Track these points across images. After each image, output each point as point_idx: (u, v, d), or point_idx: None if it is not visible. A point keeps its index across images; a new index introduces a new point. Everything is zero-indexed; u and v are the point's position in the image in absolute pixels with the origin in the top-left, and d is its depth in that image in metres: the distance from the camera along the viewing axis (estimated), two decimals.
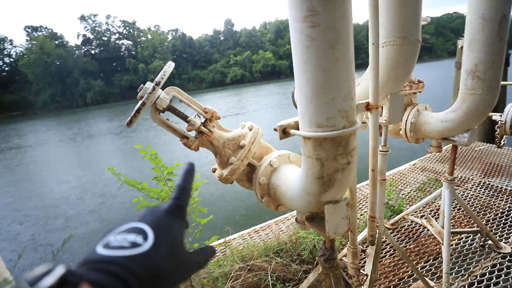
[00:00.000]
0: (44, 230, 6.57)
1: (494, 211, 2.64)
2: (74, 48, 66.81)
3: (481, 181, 3.27)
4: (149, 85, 0.91)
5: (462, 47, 1.75)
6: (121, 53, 68.90)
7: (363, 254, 1.34)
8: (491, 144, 4.48)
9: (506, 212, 2.61)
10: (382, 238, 1.66)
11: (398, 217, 2.47)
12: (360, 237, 1.75)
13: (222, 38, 73.09)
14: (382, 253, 2.08)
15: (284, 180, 1.00)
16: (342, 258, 1.23)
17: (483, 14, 1.26)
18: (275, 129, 0.83)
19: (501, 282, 1.84)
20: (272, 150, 1.17)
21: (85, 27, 68.61)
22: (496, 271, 1.94)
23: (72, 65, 61.94)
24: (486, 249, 2.16)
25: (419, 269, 1.92)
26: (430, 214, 2.69)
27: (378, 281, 1.76)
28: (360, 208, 2.74)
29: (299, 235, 1.93)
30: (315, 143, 0.71)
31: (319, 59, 0.63)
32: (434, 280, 1.86)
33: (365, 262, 1.38)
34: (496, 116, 2.00)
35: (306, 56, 0.64)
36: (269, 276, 1.59)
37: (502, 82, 1.56)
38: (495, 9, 1.23)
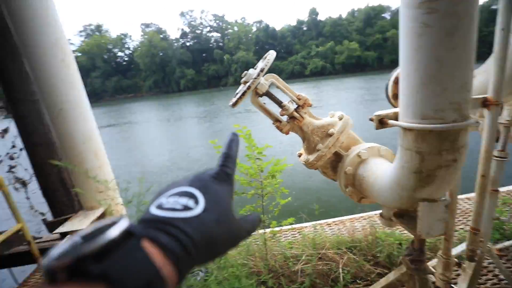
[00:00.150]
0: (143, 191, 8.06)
1: None
2: (174, 41, 76.84)
3: None
4: (252, 71, 1.03)
5: None
6: (210, 45, 75.68)
7: (457, 269, 1.19)
8: None
9: None
10: (484, 259, 1.42)
11: (509, 243, 2.03)
12: (454, 251, 1.54)
13: (305, 29, 71.46)
14: (480, 278, 1.79)
15: (373, 172, 0.98)
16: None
17: None
18: (371, 119, 0.83)
19: None
20: (360, 142, 1.16)
21: (184, 22, 77.79)
22: None
23: (171, 56, 71.68)
24: None
25: None
26: None
27: None
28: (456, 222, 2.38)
29: (377, 236, 1.83)
30: (417, 136, 0.68)
31: (433, 47, 0.60)
32: None
33: (457, 276, 1.22)
34: None
35: (418, 44, 0.62)
36: (340, 269, 1.59)
37: None
38: None
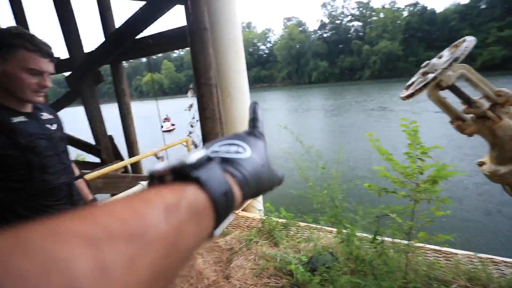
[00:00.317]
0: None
1: None
2: (311, 33, 77.78)
3: None
4: (436, 61, 0.93)
5: None
6: (349, 35, 71.46)
7: None
8: None
9: None
10: None
11: None
12: None
13: (483, 6, 54.37)
14: None
15: None
16: None
17: None
18: None
19: None
20: None
21: (324, 13, 76.91)
22: None
23: (307, 48, 73.29)
24: None
25: None
26: None
27: None
28: None
29: None
30: None
31: None
32: None
33: None
34: None
35: None
36: None
37: None
38: None
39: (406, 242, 1.37)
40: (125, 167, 5.42)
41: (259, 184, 0.33)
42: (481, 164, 1.01)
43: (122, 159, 5.79)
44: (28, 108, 0.97)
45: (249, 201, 3.06)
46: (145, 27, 3.63)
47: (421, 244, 1.92)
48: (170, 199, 0.22)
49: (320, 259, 1.84)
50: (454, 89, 0.93)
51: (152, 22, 3.43)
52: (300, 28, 77.43)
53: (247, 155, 0.33)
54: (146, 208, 0.20)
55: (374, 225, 1.15)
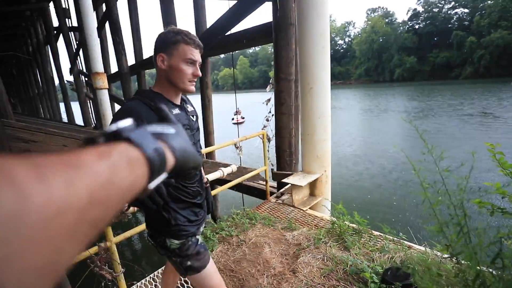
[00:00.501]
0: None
1: None
2: (400, 25, 69.35)
3: None
4: None
5: None
6: (449, 26, 60.89)
7: None
8: None
9: None
10: None
11: None
12: None
13: None
14: None
15: None
16: None
17: None
18: None
19: None
20: None
21: (419, 0, 67.40)
22: None
23: (392, 42, 65.86)
24: None
25: None
26: None
27: None
28: None
29: None
30: None
31: None
32: None
33: None
34: None
35: None
36: None
37: None
38: None
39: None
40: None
41: (185, 156, 0.38)
42: None
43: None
44: (179, 101, 1.11)
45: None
46: (235, 25, 3.89)
47: None
48: (102, 148, 0.26)
49: (398, 275, 1.68)
50: None
51: (241, 20, 3.66)
52: (386, 20, 69.97)
53: (172, 131, 0.39)
54: (81, 152, 0.23)
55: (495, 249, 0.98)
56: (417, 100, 27.38)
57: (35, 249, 0.16)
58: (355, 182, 8.10)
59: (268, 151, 3.71)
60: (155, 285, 2.16)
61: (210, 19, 4.78)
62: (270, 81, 3.99)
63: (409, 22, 67.95)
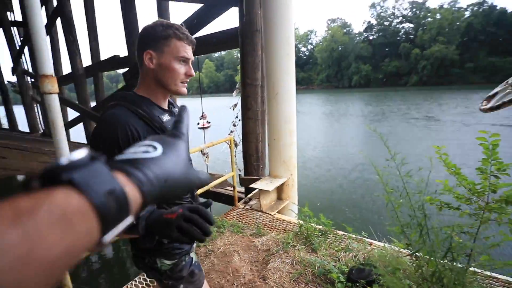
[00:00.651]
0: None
1: None
2: (356, 35, 74.71)
3: None
4: None
5: None
6: (398, 38, 67.25)
7: None
8: None
9: None
10: None
11: None
12: None
13: None
14: None
15: None
16: None
17: None
18: None
19: None
20: None
21: (372, 14, 73.36)
22: None
23: (350, 50, 70.58)
24: None
25: None
26: None
27: None
28: None
29: None
30: None
31: None
32: None
33: None
34: None
35: None
36: None
37: None
38: None
39: (462, 265, 1.26)
40: None
41: (169, 183, 0.31)
42: None
43: None
44: (166, 105, 0.96)
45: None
46: (200, 29, 3.83)
47: (478, 270, 1.75)
48: (22, 205, 0.19)
49: (362, 272, 1.77)
50: None
51: (207, 24, 3.62)
52: (344, 30, 74.82)
53: (156, 153, 0.32)
54: None
55: (444, 243, 1.07)
56: (372, 105, 29.56)
57: None
58: (319, 184, 8.44)
59: (235, 156, 3.68)
60: None
61: (175, 22, 4.66)
62: (237, 86, 3.99)
63: (364, 33, 73.57)
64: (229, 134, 4.30)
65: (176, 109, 1.02)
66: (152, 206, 0.73)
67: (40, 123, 11.09)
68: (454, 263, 1.12)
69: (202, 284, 1.06)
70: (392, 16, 70.07)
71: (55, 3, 8.28)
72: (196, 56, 5.21)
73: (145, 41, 0.87)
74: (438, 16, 59.58)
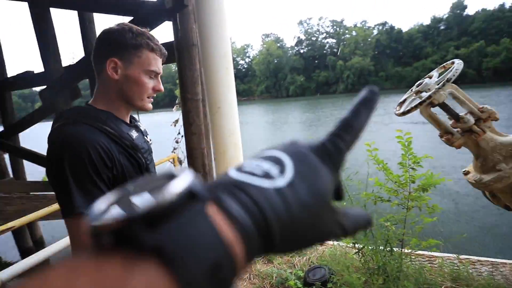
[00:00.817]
0: None
1: None
2: (289, 49, 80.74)
3: None
4: (428, 81, 1.02)
5: None
6: (324, 51, 75.13)
7: None
8: None
9: None
10: None
11: None
12: None
13: (442, 27, 60.18)
14: None
15: None
16: None
17: None
18: None
19: None
20: None
21: (300, 30, 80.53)
22: None
23: (284, 63, 75.72)
24: None
25: None
26: None
27: None
28: None
29: None
30: None
31: None
32: None
33: None
34: None
35: None
36: None
37: None
38: None
39: (398, 249, 1.43)
40: None
41: (290, 235, 0.19)
42: (466, 173, 1.10)
43: None
44: (128, 120, 0.85)
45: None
46: None
47: (409, 250, 2.00)
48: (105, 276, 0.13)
49: (316, 274, 1.85)
50: (443, 106, 1.02)
51: None
52: (278, 44, 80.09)
53: (280, 182, 0.19)
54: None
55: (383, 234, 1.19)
56: (309, 112, 32.05)
57: None
58: None
59: None
60: None
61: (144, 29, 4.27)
62: (177, 101, 3.85)
63: (295, 47, 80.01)
64: (172, 152, 4.09)
65: (140, 124, 0.92)
66: None
67: None
68: (392, 252, 1.26)
69: None
70: (317, 32, 78.14)
71: None
72: None
73: (109, 47, 0.76)
74: (354, 33, 69.08)
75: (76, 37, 4.78)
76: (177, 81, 3.82)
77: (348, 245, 1.95)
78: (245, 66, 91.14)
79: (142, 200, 0.16)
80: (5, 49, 6.51)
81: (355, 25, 71.59)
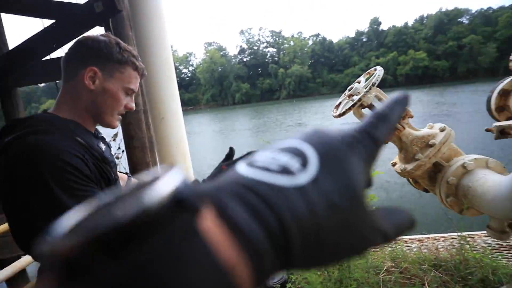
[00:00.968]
0: None
1: None
2: (232, 57, 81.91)
3: None
4: (358, 85, 1.15)
5: None
6: (266, 60, 78.43)
7: None
8: None
9: None
10: None
11: None
12: None
13: (364, 40, 69.11)
14: None
15: (482, 183, 0.99)
16: None
17: None
18: (487, 130, 0.86)
19: None
20: (462, 154, 1.16)
21: (242, 39, 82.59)
22: None
23: (229, 71, 76.51)
24: None
25: None
26: None
27: None
28: None
29: (468, 257, 1.70)
30: None
31: None
32: None
33: None
34: None
35: None
36: (427, 285, 1.54)
37: None
38: None
39: None
40: None
41: (315, 246, 0.15)
42: (394, 164, 1.27)
43: None
44: (93, 131, 0.81)
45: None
46: (57, 49, 3.18)
47: None
48: None
49: (275, 276, 1.88)
50: (371, 107, 1.16)
51: (65, 44, 3.04)
52: (221, 53, 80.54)
53: (301, 179, 0.15)
54: None
55: None
56: (256, 119, 32.89)
57: None
58: None
59: None
60: None
61: (14, 39, 3.69)
62: None
63: (238, 56, 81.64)
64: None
65: (104, 136, 0.86)
66: None
67: None
68: None
69: None
70: (259, 42, 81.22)
71: None
72: (55, 81, 4.29)
73: (91, 55, 0.72)
74: (291, 43, 73.99)
75: None
76: None
77: None
78: (189, 75, 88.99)
79: (108, 217, 0.11)
80: None
81: (292, 36, 76.86)
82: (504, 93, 1.29)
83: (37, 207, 0.59)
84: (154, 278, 0.10)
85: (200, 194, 0.13)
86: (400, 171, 1.21)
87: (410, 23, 64.39)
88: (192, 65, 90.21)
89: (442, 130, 1.14)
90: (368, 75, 1.19)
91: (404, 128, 1.14)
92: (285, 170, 0.15)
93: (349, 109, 1.07)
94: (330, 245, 0.16)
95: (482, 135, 1.09)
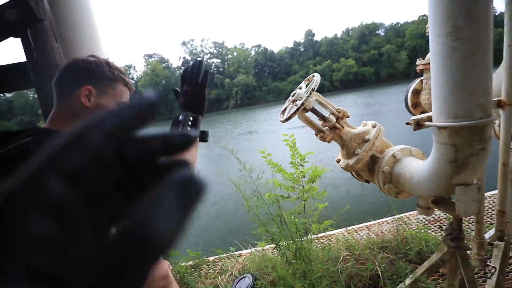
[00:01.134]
0: None
1: None
2: (176, 69, 79.61)
3: None
4: (300, 91, 1.24)
5: None
6: (212, 70, 78.32)
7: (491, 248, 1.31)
8: None
9: None
10: None
11: None
12: (487, 235, 1.66)
13: (302, 49, 74.48)
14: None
15: (408, 168, 1.15)
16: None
17: None
18: (407, 123, 1.02)
19: None
20: (391, 146, 1.34)
21: (185, 50, 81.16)
22: None
23: (173, 83, 74.05)
24: None
25: None
26: None
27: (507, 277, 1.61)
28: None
29: (406, 235, 1.95)
30: (451, 132, 0.87)
31: (461, 64, 0.80)
32: None
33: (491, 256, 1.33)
34: None
35: (448, 62, 0.82)
36: (377, 266, 1.71)
37: None
38: None
39: (305, 237, 1.65)
40: None
41: None
42: (338, 161, 1.40)
43: None
44: None
45: None
46: None
47: (320, 234, 2.31)
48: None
49: (242, 285, 1.86)
50: (313, 110, 1.26)
51: None
52: (164, 65, 77.68)
53: None
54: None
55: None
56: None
57: None
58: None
59: None
60: None
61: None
62: None
63: (182, 67, 79.76)
64: None
65: None
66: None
67: None
68: (302, 239, 1.43)
69: None
70: (202, 53, 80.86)
71: None
72: None
73: (85, 76, 0.79)
74: (235, 53, 75.50)
75: None
76: (40, 112, 3.07)
77: (264, 248, 2.08)
78: None
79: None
80: None
81: (235, 47, 78.50)
82: (416, 92, 1.54)
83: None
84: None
85: None
86: (344, 166, 1.33)
87: (339, 35, 72.13)
88: (132, 78, 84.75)
89: (374, 126, 1.30)
90: (307, 81, 1.29)
91: (343, 127, 1.27)
92: None
93: (294, 113, 1.14)
94: None
95: (404, 128, 1.28)
